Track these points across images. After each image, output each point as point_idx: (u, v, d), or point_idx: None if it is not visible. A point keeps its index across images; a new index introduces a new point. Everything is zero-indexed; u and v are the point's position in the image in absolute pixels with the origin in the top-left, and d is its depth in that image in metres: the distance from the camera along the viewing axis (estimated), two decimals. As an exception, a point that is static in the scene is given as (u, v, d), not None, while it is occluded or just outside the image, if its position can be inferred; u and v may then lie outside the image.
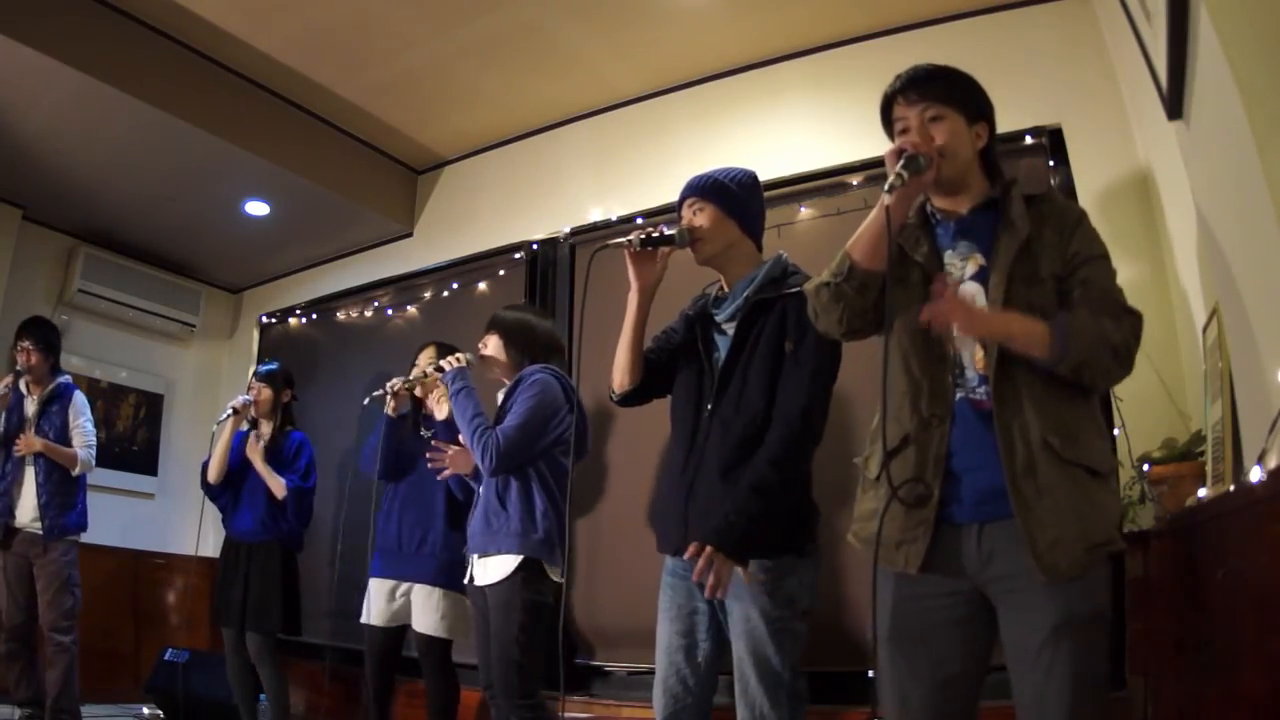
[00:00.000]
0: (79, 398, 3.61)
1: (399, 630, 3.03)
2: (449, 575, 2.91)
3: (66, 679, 3.32)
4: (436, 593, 2.92)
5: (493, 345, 2.67)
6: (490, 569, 2.44)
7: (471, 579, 2.52)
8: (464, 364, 2.65)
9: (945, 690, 1.43)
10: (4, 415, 3.51)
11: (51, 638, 3.33)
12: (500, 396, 2.68)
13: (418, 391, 3.13)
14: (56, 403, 3.54)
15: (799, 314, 1.82)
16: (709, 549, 1.68)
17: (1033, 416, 1.39)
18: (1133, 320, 1.43)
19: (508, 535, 2.43)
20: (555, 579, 2.45)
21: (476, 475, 2.75)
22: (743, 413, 1.84)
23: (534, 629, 2.40)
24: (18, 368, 3.53)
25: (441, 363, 2.68)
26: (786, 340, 1.84)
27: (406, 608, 2.99)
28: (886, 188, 1.43)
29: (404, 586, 2.99)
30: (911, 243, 1.58)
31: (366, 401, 3.10)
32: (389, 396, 3.03)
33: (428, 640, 2.91)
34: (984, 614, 1.43)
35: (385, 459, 3.06)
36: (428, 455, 2.79)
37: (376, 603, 3.00)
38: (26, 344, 3.53)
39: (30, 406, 3.52)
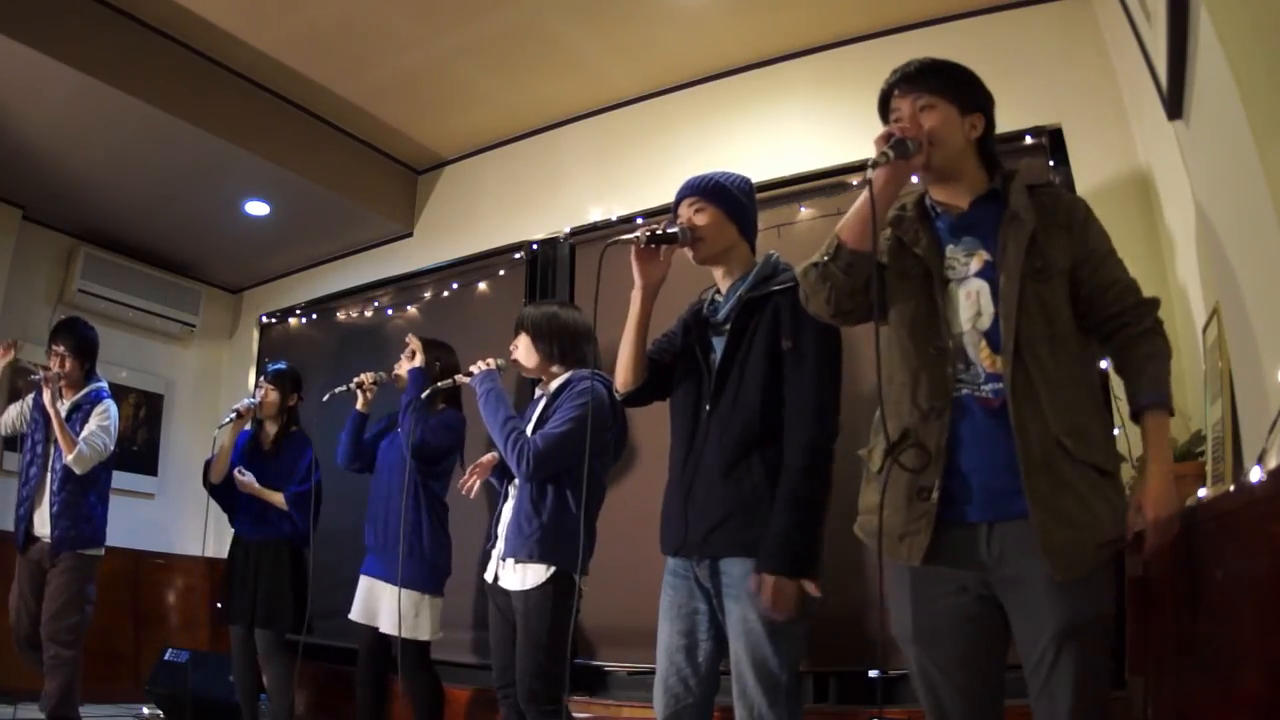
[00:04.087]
0: (106, 404, 3.45)
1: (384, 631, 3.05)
2: (417, 575, 2.97)
3: (66, 691, 3.22)
4: (409, 595, 2.95)
5: (523, 346, 2.63)
6: (521, 575, 2.42)
7: (496, 578, 2.51)
8: (494, 367, 2.63)
9: (973, 682, 1.45)
10: (32, 419, 3.42)
11: (50, 647, 3.22)
12: (541, 394, 2.65)
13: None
14: (83, 409, 3.42)
15: (793, 309, 1.82)
16: (771, 579, 1.69)
17: (1049, 416, 1.40)
18: (1155, 307, 1.51)
19: (540, 542, 2.40)
20: (580, 585, 2.45)
21: (499, 473, 2.74)
22: (740, 411, 1.84)
23: (562, 636, 2.40)
24: (42, 375, 3.38)
25: (471, 367, 2.66)
26: (784, 338, 1.84)
27: (380, 608, 3.04)
28: (870, 164, 1.45)
29: (387, 588, 3.03)
30: (911, 235, 1.58)
31: (325, 398, 3.18)
32: (359, 390, 3.17)
33: (404, 643, 2.93)
34: (996, 609, 1.45)
35: (349, 451, 3.21)
36: (461, 482, 2.72)
37: (361, 600, 3.08)
38: (60, 349, 3.43)
39: (63, 406, 3.38)
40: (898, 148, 1.46)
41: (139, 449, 4.89)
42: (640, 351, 1.98)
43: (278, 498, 3.42)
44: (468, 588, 3.61)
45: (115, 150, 3.92)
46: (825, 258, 1.55)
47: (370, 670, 3.05)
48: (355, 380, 3.20)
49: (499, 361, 2.67)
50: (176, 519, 4.84)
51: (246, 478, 3.42)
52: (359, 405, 3.23)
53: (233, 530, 3.56)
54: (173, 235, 4.75)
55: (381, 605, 3.00)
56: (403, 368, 3.09)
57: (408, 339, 3.14)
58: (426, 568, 3.01)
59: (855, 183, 3.22)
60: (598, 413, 2.43)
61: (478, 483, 2.71)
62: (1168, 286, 2.55)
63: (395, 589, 2.95)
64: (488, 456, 2.73)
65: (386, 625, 2.96)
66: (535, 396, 2.70)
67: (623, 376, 2.00)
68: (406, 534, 2.99)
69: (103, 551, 3.44)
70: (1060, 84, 3.02)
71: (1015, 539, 1.39)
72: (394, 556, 2.97)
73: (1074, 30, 3.06)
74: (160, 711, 3.89)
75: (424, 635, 2.97)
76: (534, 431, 2.50)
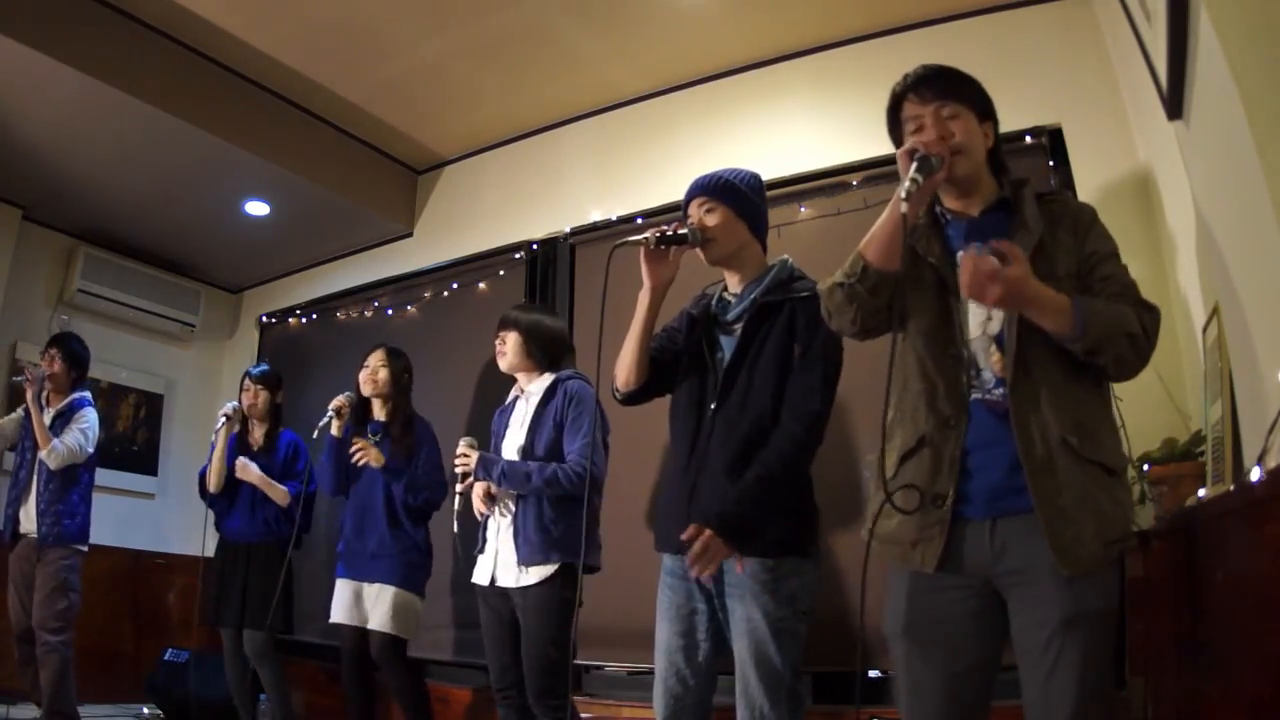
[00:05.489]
0: (86, 411, 3.57)
1: (367, 630, 3.05)
2: (404, 574, 3.01)
3: (60, 682, 3.29)
4: (390, 590, 2.99)
5: (511, 343, 2.64)
6: (528, 573, 2.42)
7: (493, 580, 2.49)
8: (475, 449, 2.55)
9: (959, 682, 1.44)
10: (23, 426, 3.57)
11: (41, 636, 3.32)
12: (517, 394, 2.66)
13: (366, 390, 3.21)
14: (65, 416, 3.54)
15: (809, 318, 1.83)
16: (707, 532, 1.71)
17: (1051, 415, 1.41)
18: (1152, 315, 1.45)
19: (565, 542, 2.40)
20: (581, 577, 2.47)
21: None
22: (749, 413, 1.85)
23: (567, 629, 2.40)
24: (26, 375, 3.53)
25: (457, 466, 2.56)
26: (795, 344, 1.85)
27: (366, 607, 3.06)
28: (904, 195, 1.43)
29: (366, 587, 3.05)
30: (923, 244, 1.58)
31: (315, 435, 3.18)
32: (334, 418, 3.15)
33: (383, 638, 2.96)
34: (996, 607, 1.44)
35: (334, 477, 3.19)
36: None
37: (344, 602, 3.08)
38: (52, 351, 3.61)
39: (46, 418, 3.52)
40: (923, 167, 1.45)
41: (139, 449, 4.89)
42: (644, 352, 1.97)
43: (281, 490, 3.42)
44: (459, 589, 3.61)
45: (115, 150, 3.92)
46: (851, 279, 1.54)
47: (356, 670, 3.06)
48: (333, 406, 3.15)
49: (468, 445, 2.57)
50: (176, 519, 4.84)
51: (252, 467, 3.42)
52: (334, 431, 3.15)
53: (219, 534, 3.56)
54: (173, 235, 4.75)
55: (372, 605, 3.01)
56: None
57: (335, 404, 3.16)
58: (414, 569, 3.05)
59: (855, 183, 3.22)
60: (594, 411, 2.49)
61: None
62: (1168, 286, 2.55)
63: (383, 587, 2.99)
64: (481, 487, 2.57)
65: (375, 622, 2.98)
66: (511, 397, 2.71)
67: (624, 375, 2.00)
68: (396, 536, 3.03)
69: (87, 548, 3.53)
70: (1060, 84, 3.02)
71: (1017, 532, 1.40)
72: (384, 557, 3.01)
73: (1074, 30, 3.06)
74: (160, 711, 3.89)
75: (410, 634, 3.01)
76: (528, 434, 2.52)
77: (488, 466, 2.50)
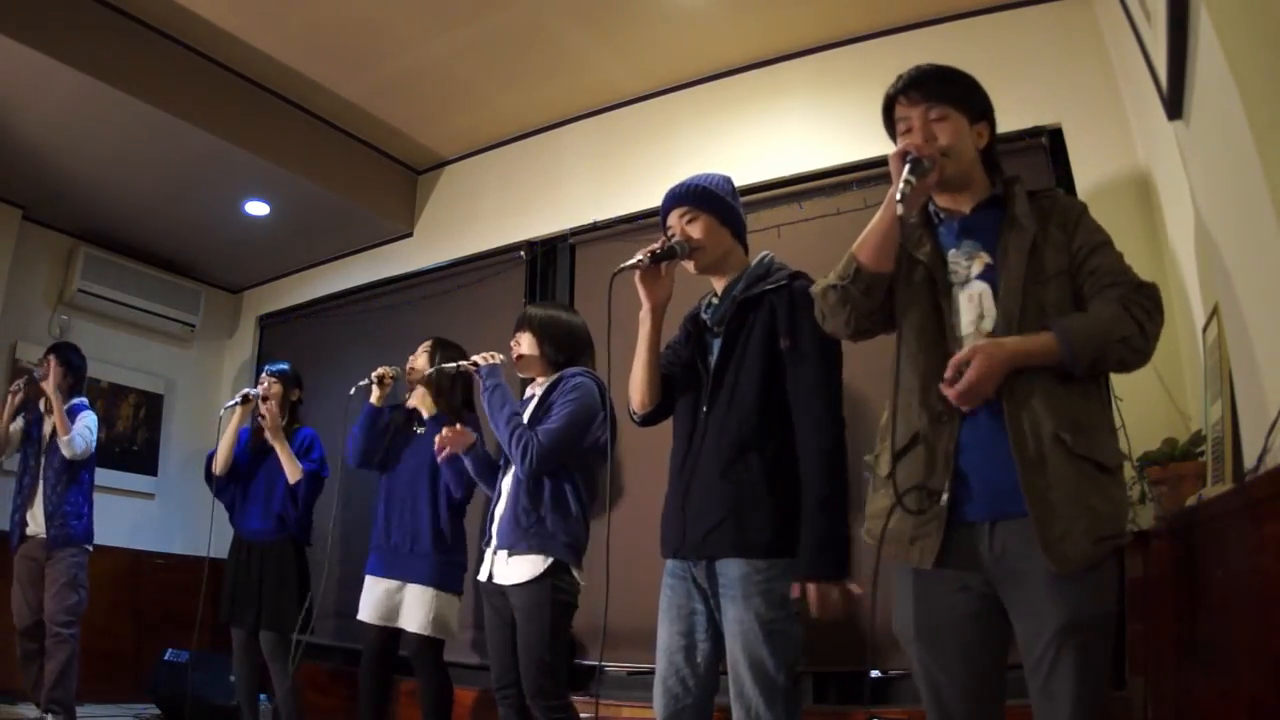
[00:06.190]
0: (86, 413, 3.66)
1: (396, 630, 3.01)
2: (442, 575, 2.96)
3: (63, 672, 3.36)
4: (430, 592, 2.94)
5: (526, 343, 2.62)
6: (517, 568, 2.42)
7: (490, 576, 2.49)
8: (500, 361, 2.64)
9: (976, 680, 1.45)
10: (24, 433, 3.69)
11: (51, 629, 3.40)
12: (532, 393, 2.65)
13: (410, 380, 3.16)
14: (67, 418, 3.61)
15: (789, 308, 1.84)
16: (811, 586, 1.71)
17: (1044, 412, 1.40)
18: (1147, 295, 1.44)
19: (539, 536, 2.40)
20: (579, 579, 2.46)
21: (481, 467, 2.74)
22: (735, 411, 1.85)
23: (561, 630, 2.40)
24: (26, 378, 3.66)
25: (476, 358, 2.66)
26: (781, 336, 1.84)
27: (401, 607, 2.99)
28: (899, 197, 1.43)
29: (400, 586, 2.99)
30: (914, 242, 1.58)
31: (353, 391, 3.14)
32: (374, 385, 3.12)
33: (420, 640, 2.93)
34: (998, 608, 1.45)
35: (362, 446, 3.12)
36: (436, 445, 2.75)
37: (373, 600, 3.01)
38: (49, 358, 3.69)
39: (48, 425, 3.63)
40: (916, 169, 1.45)
41: (139, 449, 4.89)
42: (654, 372, 1.97)
43: (297, 466, 3.39)
44: (466, 588, 3.61)
45: (115, 150, 3.92)
46: (844, 281, 1.54)
47: (376, 670, 3.02)
48: (376, 373, 3.13)
49: (502, 356, 2.67)
50: (176, 519, 4.84)
51: (278, 426, 3.39)
52: (373, 399, 3.13)
53: (233, 530, 3.54)
54: (173, 235, 4.75)
55: (405, 604, 2.96)
56: (418, 361, 3.13)
57: (380, 373, 3.14)
58: (455, 568, 3.02)
59: (855, 183, 3.23)
60: (590, 407, 2.47)
61: (448, 450, 2.73)
62: (1168, 286, 2.55)
63: (422, 588, 2.94)
64: (458, 432, 2.68)
65: (413, 624, 2.92)
66: (525, 395, 2.70)
67: (639, 397, 1.99)
68: (437, 535, 2.98)
69: (91, 547, 3.61)
70: (1060, 84, 3.02)
71: (1015, 537, 1.40)
72: (426, 557, 2.96)
73: (1074, 30, 3.06)
74: (160, 711, 3.89)
75: (448, 635, 2.98)
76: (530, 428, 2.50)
77: (494, 374, 2.57)
